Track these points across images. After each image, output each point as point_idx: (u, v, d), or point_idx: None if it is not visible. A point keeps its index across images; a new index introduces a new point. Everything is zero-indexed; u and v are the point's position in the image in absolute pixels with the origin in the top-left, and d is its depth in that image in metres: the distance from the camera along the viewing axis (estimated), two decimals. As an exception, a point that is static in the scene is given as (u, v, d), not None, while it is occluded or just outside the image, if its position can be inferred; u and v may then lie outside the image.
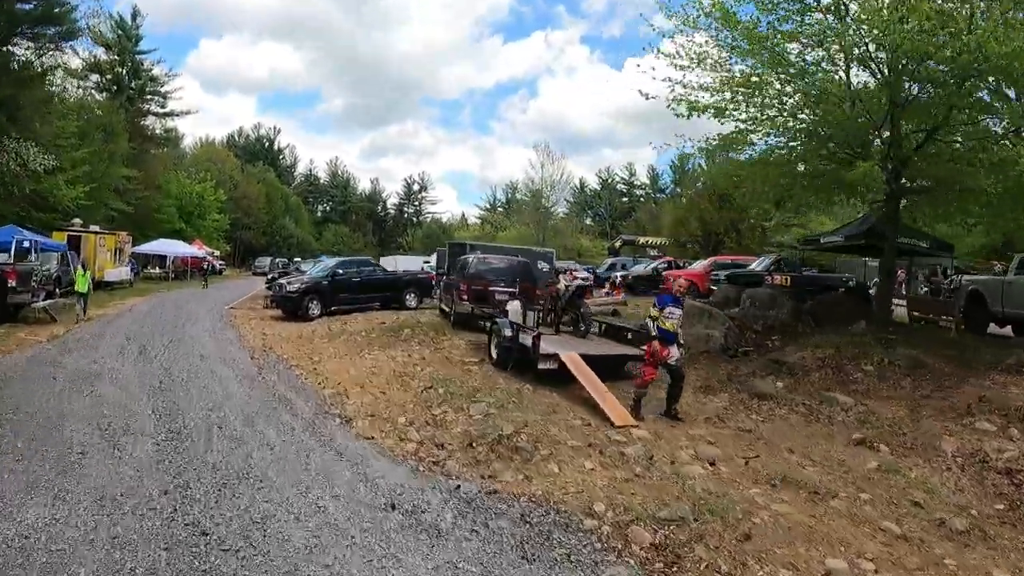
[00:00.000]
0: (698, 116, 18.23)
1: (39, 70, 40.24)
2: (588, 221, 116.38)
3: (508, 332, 16.71)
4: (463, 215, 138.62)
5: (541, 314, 20.23)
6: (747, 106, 18.43)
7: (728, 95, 18.24)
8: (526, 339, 15.90)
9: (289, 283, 27.95)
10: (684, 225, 55.79)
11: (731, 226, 51.28)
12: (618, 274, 40.34)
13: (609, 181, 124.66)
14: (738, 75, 18.07)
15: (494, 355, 17.31)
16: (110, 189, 52.66)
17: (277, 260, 76.81)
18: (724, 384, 15.71)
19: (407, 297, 29.82)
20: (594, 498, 8.56)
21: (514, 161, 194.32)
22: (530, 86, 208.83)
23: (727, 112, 18.47)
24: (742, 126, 19.02)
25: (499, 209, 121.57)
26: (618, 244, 56.55)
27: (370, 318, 26.10)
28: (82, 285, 25.27)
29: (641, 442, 11.17)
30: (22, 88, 37.62)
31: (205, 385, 14.73)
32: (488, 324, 18.93)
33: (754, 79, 17.68)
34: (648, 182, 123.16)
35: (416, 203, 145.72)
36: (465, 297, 22.73)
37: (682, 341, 13.72)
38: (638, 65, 37.82)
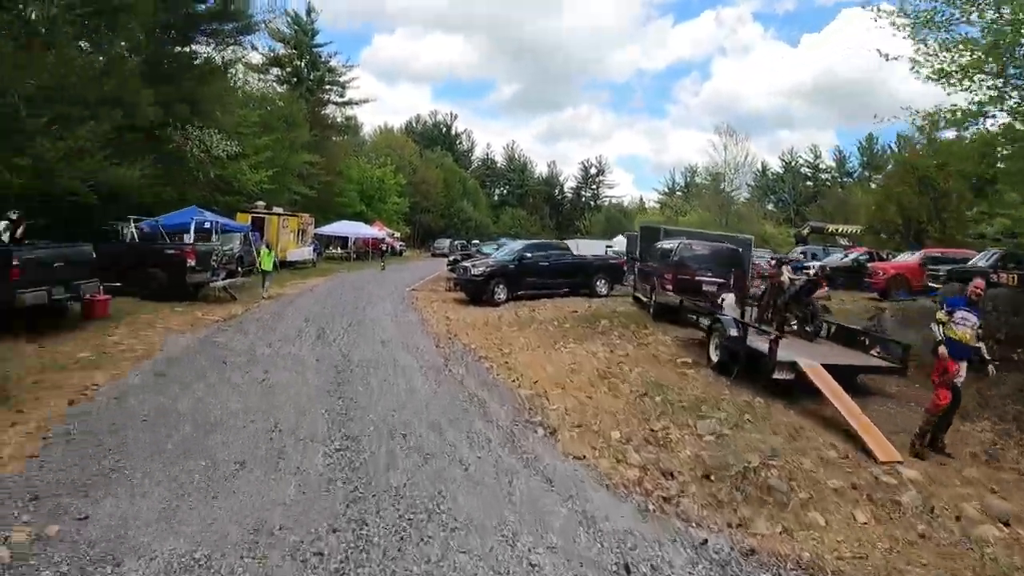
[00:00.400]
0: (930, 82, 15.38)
1: (219, 64, 40.33)
2: (770, 207, 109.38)
3: (734, 332, 14.09)
4: (641, 199, 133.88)
5: (760, 310, 17.48)
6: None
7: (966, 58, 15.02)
8: (758, 343, 13.33)
9: (474, 266, 26.04)
10: (882, 211, 49.57)
11: (934, 213, 44.96)
12: (815, 264, 35.41)
13: (792, 164, 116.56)
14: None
15: (714, 357, 14.75)
16: (293, 174, 52.42)
17: (455, 242, 76.73)
18: (979, 409, 12.48)
19: (597, 283, 27.40)
20: (879, 570, 6.59)
21: (689, 144, 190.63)
22: (702, 67, 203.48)
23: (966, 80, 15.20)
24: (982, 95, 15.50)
25: (678, 193, 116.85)
26: (805, 232, 51.54)
27: (559, 305, 23.95)
28: (267, 263, 26.03)
29: (914, 486, 8.89)
30: (204, 82, 37.68)
31: (386, 377, 12.91)
32: (702, 320, 16.44)
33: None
34: (834, 165, 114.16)
35: (593, 187, 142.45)
36: (670, 287, 20.23)
37: (987, 355, 10.85)
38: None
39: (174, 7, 34.61)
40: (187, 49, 38.42)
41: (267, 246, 27.99)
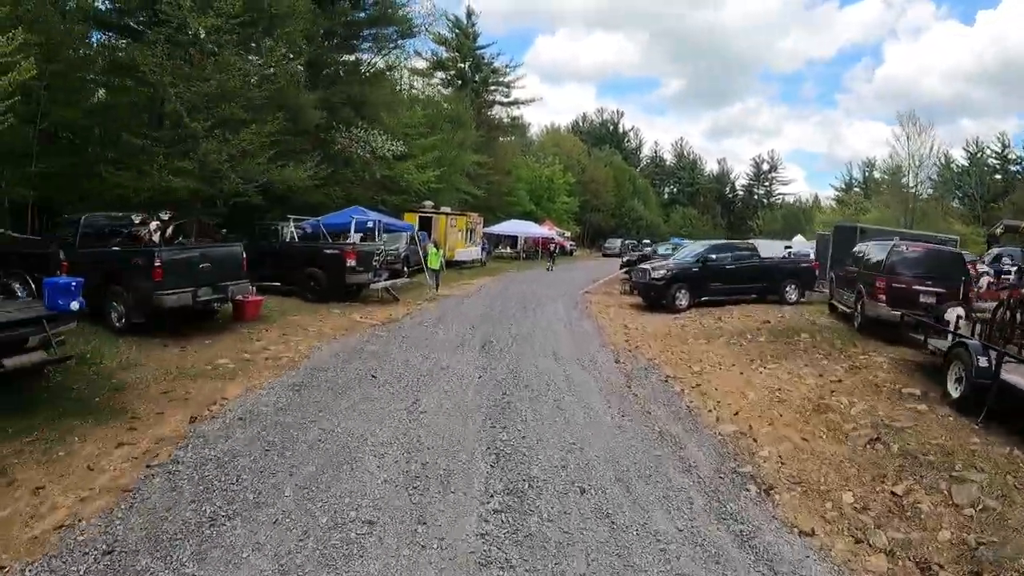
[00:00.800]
0: None
1: (382, 68, 40.03)
2: (955, 203, 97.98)
3: (983, 362, 10.35)
4: (815, 197, 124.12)
5: (990, 328, 13.69)
6: None
7: None
8: (1018, 377, 9.75)
9: (654, 269, 23.15)
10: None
11: None
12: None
13: (978, 155, 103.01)
14: None
15: (953, 391, 11.08)
16: (461, 174, 51.59)
17: (626, 242, 74.57)
18: None
19: (786, 289, 23.88)
20: None
21: (864, 136, 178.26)
22: (874, 52, 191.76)
23: None
24: None
25: (855, 189, 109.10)
26: (999, 230, 44.81)
27: (748, 313, 20.85)
28: (434, 262, 25.86)
29: None
30: (367, 85, 37.77)
31: (559, 401, 10.59)
32: (934, 342, 13.05)
33: None
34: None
35: (766, 184, 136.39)
36: (883, 297, 16.79)
37: None
38: None
39: (333, 14, 34.46)
40: (351, 56, 38.64)
41: (435, 245, 27.48)
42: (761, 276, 23.73)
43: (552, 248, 48.15)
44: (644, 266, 24.46)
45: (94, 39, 30.37)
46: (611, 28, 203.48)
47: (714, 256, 23.51)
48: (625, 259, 37.77)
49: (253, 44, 29.76)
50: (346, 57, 37.81)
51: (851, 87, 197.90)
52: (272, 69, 28.88)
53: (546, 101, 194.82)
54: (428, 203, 38.15)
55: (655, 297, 22.34)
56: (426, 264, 27.05)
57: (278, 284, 20.75)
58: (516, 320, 18.80)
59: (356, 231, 24.52)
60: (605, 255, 69.99)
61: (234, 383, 10.79)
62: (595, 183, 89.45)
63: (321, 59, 34.56)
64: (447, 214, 37.36)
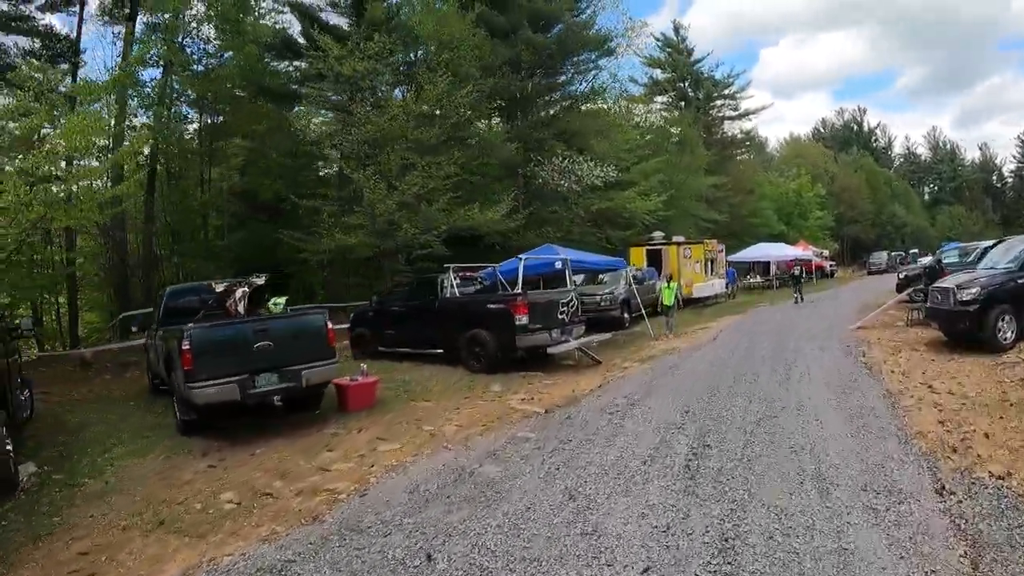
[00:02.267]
0: None
1: (584, 92, 34.28)
2: None
3: None
4: None
5: None
6: None
7: None
8: None
9: (959, 288, 13.88)
10: None
11: None
12: None
13: None
14: None
15: None
16: (697, 199, 45.73)
17: (893, 253, 63.60)
18: None
19: None
20: None
21: None
22: None
23: None
24: None
25: None
26: None
27: None
28: (667, 299, 21.58)
29: None
30: (572, 112, 33.29)
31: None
32: None
33: None
34: None
35: None
36: None
37: None
38: None
39: (516, 43, 29.75)
40: (547, 83, 33.38)
41: (667, 280, 22.93)
42: None
43: (798, 271, 32.98)
44: (942, 284, 15.51)
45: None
46: (835, 27, 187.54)
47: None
48: (902, 275, 28.11)
49: (409, 83, 26.04)
50: (542, 83, 32.41)
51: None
52: (437, 106, 24.42)
53: (782, 116, 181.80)
54: (658, 234, 31.39)
55: (965, 329, 13.77)
56: (661, 302, 22.18)
57: (441, 351, 15.75)
58: (757, 390, 11.22)
59: (535, 273, 18.86)
60: (871, 272, 58.78)
61: (186, 550, 6.13)
62: (848, 191, 77.75)
63: (508, 90, 29.35)
64: (679, 243, 30.28)
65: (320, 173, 30.39)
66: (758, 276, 44.78)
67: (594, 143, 31.62)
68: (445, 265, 17.11)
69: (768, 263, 45.86)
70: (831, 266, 57.82)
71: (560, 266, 17.62)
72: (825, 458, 7.27)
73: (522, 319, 14.38)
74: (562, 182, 28.25)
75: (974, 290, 13.35)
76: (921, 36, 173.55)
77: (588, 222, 31.59)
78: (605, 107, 35.46)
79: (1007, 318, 13.07)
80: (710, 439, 8.28)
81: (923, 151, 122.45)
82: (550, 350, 14.93)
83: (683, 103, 57.39)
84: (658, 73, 58.71)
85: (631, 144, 34.51)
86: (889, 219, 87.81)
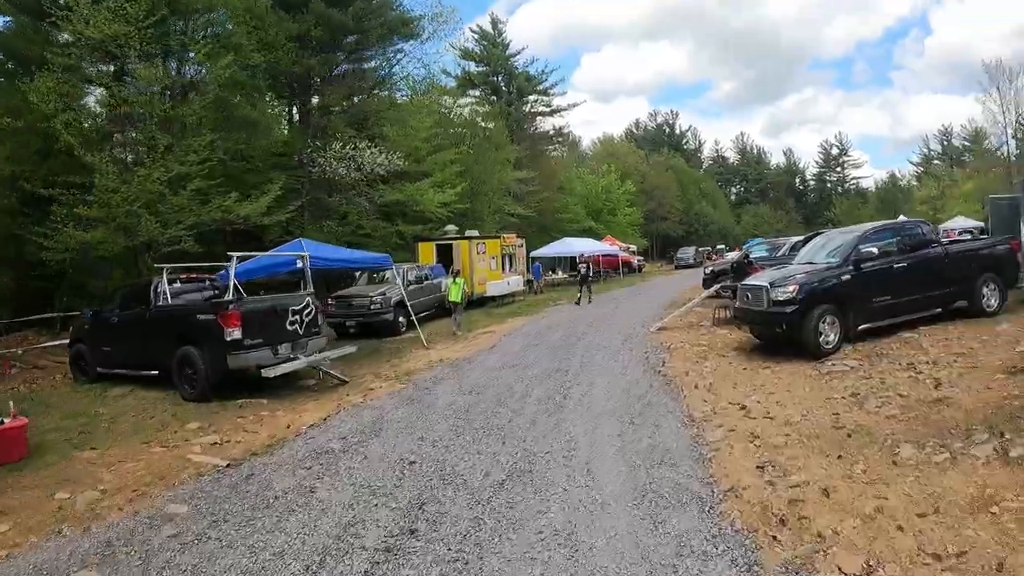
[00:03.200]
0: None
1: (384, 76, 31.61)
2: None
3: None
4: (892, 176, 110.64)
5: None
6: None
7: None
8: None
9: (773, 285, 12.09)
10: None
11: None
12: None
13: None
14: None
15: None
16: (503, 194, 43.89)
17: (701, 249, 65.11)
18: None
19: (983, 291, 13.13)
20: None
21: (929, 110, 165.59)
22: (920, 23, 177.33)
23: None
24: None
25: (935, 162, 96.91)
26: None
27: (948, 343, 11.08)
28: (454, 295, 20.29)
29: None
30: (365, 96, 30.28)
31: None
32: None
33: None
34: None
35: (838, 169, 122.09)
36: None
37: None
38: None
39: (305, 17, 26.43)
40: (342, 63, 30.06)
41: (454, 276, 20.95)
42: (944, 275, 12.89)
43: (584, 268, 29.27)
44: (754, 282, 13.37)
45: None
46: (656, 37, 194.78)
47: (873, 250, 12.47)
48: (709, 270, 25.68)
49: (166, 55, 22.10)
50: (341, 64, 29.49)
51: (903, 62, 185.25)
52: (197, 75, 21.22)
53: (600, 119, 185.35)
54: (451, 228, 29.28)
55: (784, 334, 11.98)
56: (447, 299, 21.02)
57: (154, 373, 12.89)
58: (517, 426, 8.93)
59: (269, 274, 16.34)
60: (678, 267, 59.46)
61: None
62: (658, 190, 78.79)
63: (292, 68, 26.06)
64: (472, 238, 28.08)
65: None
66: (559, 272, 43.67)
67: (389, 130, 29.16)
68: (158, 266, 14.07)
69: (574, 258, 45.00)
70: (639, 261, 58.33)
71: (300, 264, 14.53)
72: (588, 554, 5.03)
73: (234, 332, 11.64)
74: (340, 170, 25.55)
75: (791, 288, 11.71)
76: (737, 52, 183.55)
77: (377, 216, 28.94)
78: (406, 94, 33.10)
79: (829, 319, 11.53)
80: (424, 514, 5.98)
81: (731, 154, 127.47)
82: (265, 372, 11.88)
83: (495, 97, 55.76)
84: (472, 66, 56.79)
85: (428, 133, 32.06)
86: (697, 217, 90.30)
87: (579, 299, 26.65)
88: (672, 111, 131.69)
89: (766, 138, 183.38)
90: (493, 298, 28.06)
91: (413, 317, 18.65)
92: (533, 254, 39.17)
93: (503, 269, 30.10)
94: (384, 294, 19.25)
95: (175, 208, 19.39)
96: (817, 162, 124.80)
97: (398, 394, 11.58)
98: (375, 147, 26.37)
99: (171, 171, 19.00)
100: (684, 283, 34.41)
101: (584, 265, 29.27)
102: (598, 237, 51.96)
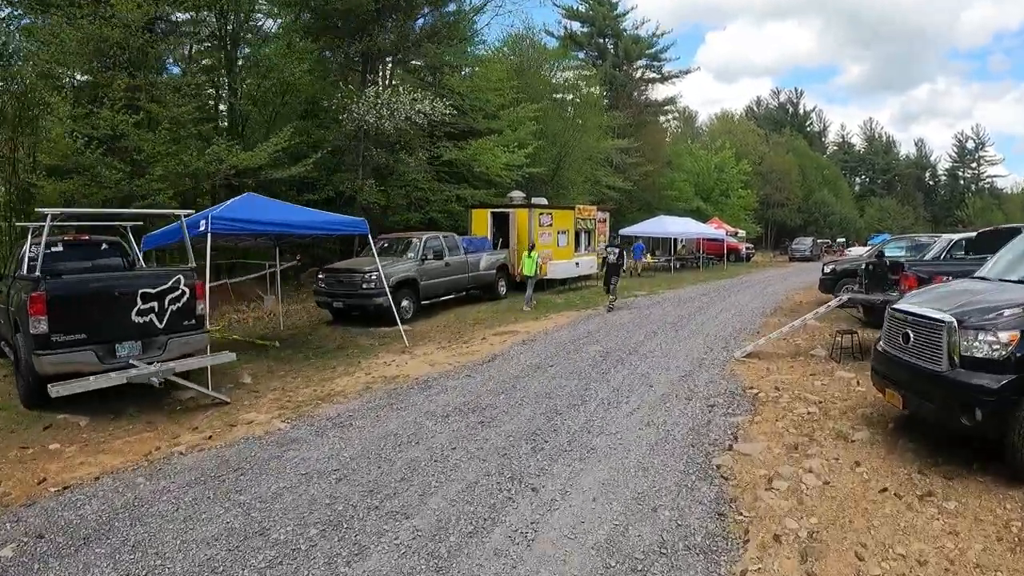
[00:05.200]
0: None
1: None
2: None
3: None
4: None
5: None
6: None
7: None
8: None
9: (964, 323, 5.53)
10: None
11: None
12: None
13: None
14: None
15: None
16: (603, 163, 38.75)
17: (820, 241, 56.92)
18: None
19: None
20: None
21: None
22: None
23: None
24: None
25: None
26: None
27: None
28: (528, 268, 18.22)
29: None
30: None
31: None
32: None
33: None
34: None
35: (973, 165, 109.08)
36: None
37: None
38: None
39: None
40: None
41: (529, 249, 18.70)
42: None
43: (613, 257, 18.70)
44: (920, 309, 6.19)
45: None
46: (783, 16, 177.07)
47: None
48: (829, 268, 18.26)
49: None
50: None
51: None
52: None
53: (720, 101, 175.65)
54: (517, 194, 23.25)
55: (978, 429, 5.40)
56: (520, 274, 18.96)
57: None
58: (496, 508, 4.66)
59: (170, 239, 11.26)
60: (793, 259, 50.27)
61: None
62: (776, 173, 70.10)
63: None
64: (534, 206, 22.10)
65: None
66: (656, 255, 37.62)
67: (451, 79, 24.17)
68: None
69: (674, 240, 38.80)
70: (748, 249, 49.80)
71: (203, 228, 9.70)
72: None
73: (39, 324, 7.48)
74: (369, 119, 20.38)
75: (1005, 337, 5.33)
76: (867, 37, 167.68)
77: (435, 177, 23.99)
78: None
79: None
80: None
81: (858, 141, 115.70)
82: (52, 389, 7.13)
83: (600, 60, 49.79)
84: (576, 26, 51.08)
85: (502, 85, 26.78)
86: (817, 206, 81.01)
87: (610, 302, 17.82)
88: (796, 89, 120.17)
89: (893, 129, 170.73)
90: (562, 281, 22.54)
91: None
92: (622, 231, 33.32)
93: (579, 247, 24.45)
94: (376, 272, 13.76)
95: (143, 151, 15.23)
96: (951, 155, 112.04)
97: (235, 451, 6.66)
98: (417, 93, 21.23)
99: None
100: (796, 280, 27.51)
101: (613, 253, 18.78)
102: (704, 219, 44.99)
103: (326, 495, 5.50)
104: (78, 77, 17.93)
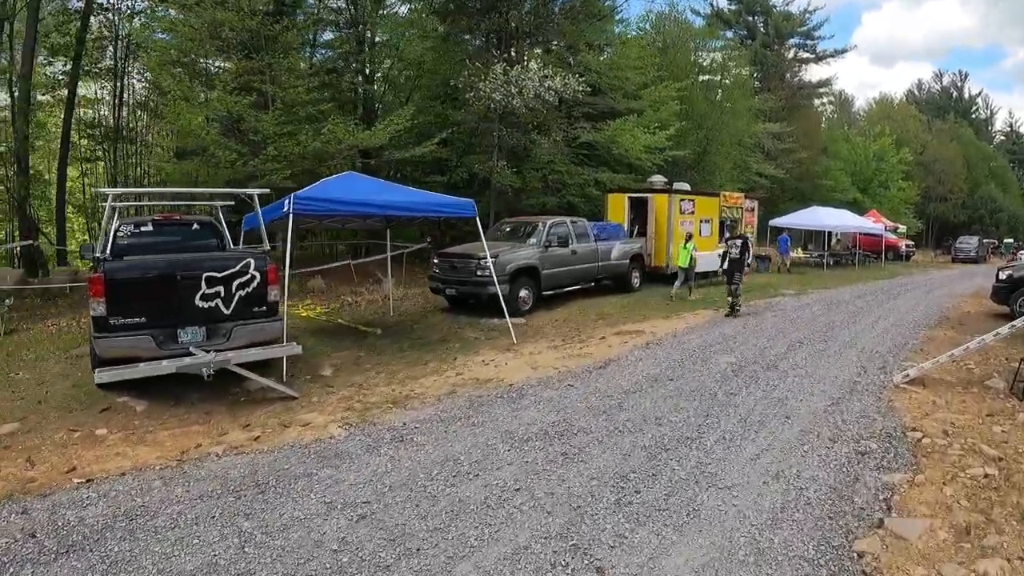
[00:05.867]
0: None
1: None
2: None
3: None
4: None
5: None
6: None
7: None
8: None
9: None
10: None
11: None
12: None
13: None
14: None
15: None
16: (755, 149, 36.92)
17: (986, 241, 51.04)
18: None
19: None
20: None
21: None
22: None
23: None
24: None
25: None
26: None
27: None
28: (682, 260, 17.09)
29: None
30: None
31: None
32: None
33: None
34: None
35: None
36: None
37: None
38: None
39: None
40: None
41: (686, 238, 17.79)
42: None
43: (736, 251, 15.13)
44: None
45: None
46: None
47: None
48: (1005, 275, 15.33)
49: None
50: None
51: None
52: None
53: (878, 85, 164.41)
54: (658, 179, 21.38)
55: None
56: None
57: None
58: None
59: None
60: (957, 260, 44.26)
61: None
62: (940, 163, 63.08)
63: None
64: (675, 192, 20.04)
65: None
66: (808, 250, 34.52)
67: (586, 57, 22.51)
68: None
69: (830, 234, 35.14)
70: (908, 247, 44.10)
71: (285, 209, 8.77)
72: None
73: (99, 306, 7.18)
74: (496, 96, 18.87)
75: None
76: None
77: (573, 160, 22.48)
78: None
79: None
80: None
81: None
82: (98, 375, 6.86)
83: (750, 40, 46.82)
84: (723, 3, 48.51)
85: (642, 63, 24.95)
86: (983, 201, 73.62)
87: (733, 306, 14.44)
88: (961, 72, 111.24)
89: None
90: (704, 275, 19.92)
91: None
92: (772, 223, 30.64)
93: (722, 238, 21.81)
94: (497, 258, 12.43)
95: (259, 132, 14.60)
96: None
97: (271, 459, 5.87)
98: (548, 69, 19.62)
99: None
100: (963, 285, 24.10)
101: (736, 246, 15.15)
102: (861, 212, 40.55)
103: (337, 537, 4.38)
104: (209, 62, 17.70)
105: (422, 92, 21.41)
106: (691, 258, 17.01)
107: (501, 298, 11.49)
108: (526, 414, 7.01)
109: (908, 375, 8.65)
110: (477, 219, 11.14)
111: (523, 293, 13.17)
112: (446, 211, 11.45)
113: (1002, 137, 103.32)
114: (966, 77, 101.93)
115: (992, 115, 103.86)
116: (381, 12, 20.89)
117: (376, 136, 16.12)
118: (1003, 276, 15.17)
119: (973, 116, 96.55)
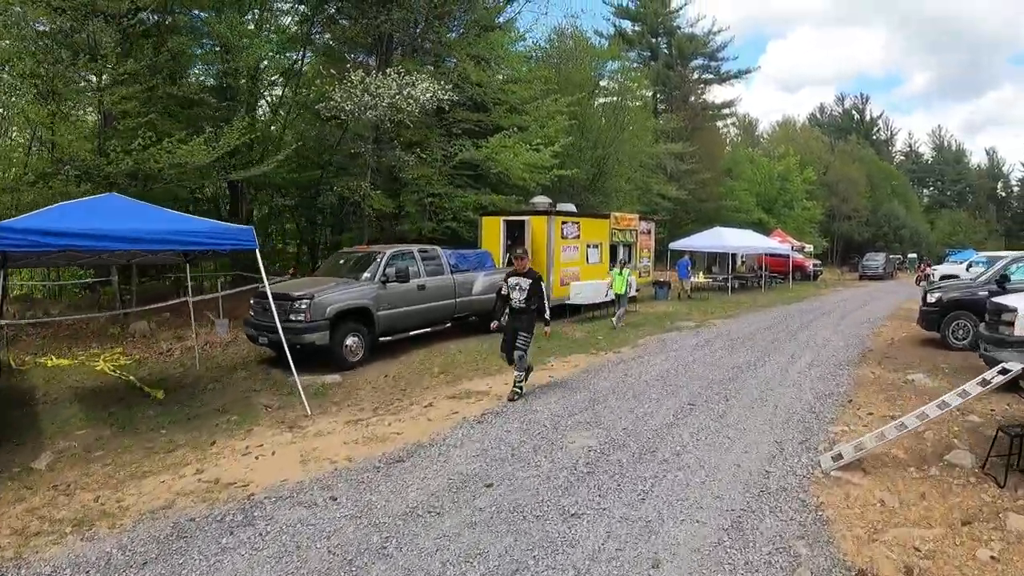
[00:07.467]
0: None
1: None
2: None
3: None
4: None
5: None
6: None
7: None
8: None
9: None
10: None
11: None
12: None
13: None
14: None
15: None
16: (656, 170, 35.82)
17: (892, 257, 51.96)
18: None
19: None
20: None
21: None
22: None
23: None
24: None
25: None
26: None
27: None
28: (619, 287, 16.58)
29: None
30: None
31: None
32: None
33: None
34: None
35: None
36: None
37: None
38: None
39: None
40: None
41: (620, 266, 17.19)
42: None
43: (519, 294, 9.06)
44: None
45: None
46: (846, 24, 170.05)
47: None
48: (934, 297, 13.32)
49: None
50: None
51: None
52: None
53: (783, 110, 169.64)
54: (540, 199, 18.89)
55: None
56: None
57: None
58: None
59: None
60: (864, 277, 44.98)
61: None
62: (844, 183, 64.03)
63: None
64: (556, 213, 17.63)
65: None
66: (715, 273, 32.65)
67: (463, 65, 20.19)
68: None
69: (734, 256, 33.34)
70: (815, 266, 42.78)
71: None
72: None
73: None
74: (346, 106, 16.55)
75: None
76: (931, 44, 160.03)
77: (450, 181, 20.08)
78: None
79: None
80: None
81: (926, 151, 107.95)
82: None
83: (652, 57, 45.79)
84: (628, 25, 47.16)
85: (525, 76, 23.10)
86: (887, 218, 74.49)
87: (515, 385, 9.19)
88: (862, 95, 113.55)
89: (962, 139, 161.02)
90: (584, 307, 17.99)
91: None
92: (672, 245, 28.79)
93: (618, 265, 19.59)
94: (313, 299, 10.03)
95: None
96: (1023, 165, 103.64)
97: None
98: (409, 77, 17.16)
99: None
100: (878, 305, 22.77)
101: (520, 284, 9.08)
102: (766, 231, 39.38)
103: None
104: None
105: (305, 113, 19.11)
106: (626, 284, 16.56)
107: (289, 356, 8.66)
108: (228, 566, 4.41)
109: (841, 456, 6.23)
110: (258, 252, 8.47)
111: (350, 341, 10.54)
112: (217, 244, 8.26)
113: (902, 157, 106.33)
114: (867, 100, 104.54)
115: (892, 136, 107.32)
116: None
117: (194, 153, 13.26)
118: (931, 299, 13.35)
119: (874, 137, 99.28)
